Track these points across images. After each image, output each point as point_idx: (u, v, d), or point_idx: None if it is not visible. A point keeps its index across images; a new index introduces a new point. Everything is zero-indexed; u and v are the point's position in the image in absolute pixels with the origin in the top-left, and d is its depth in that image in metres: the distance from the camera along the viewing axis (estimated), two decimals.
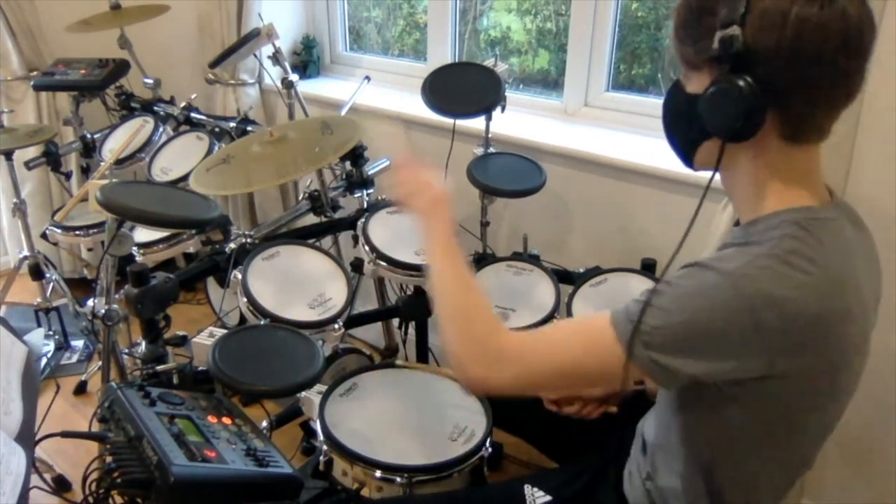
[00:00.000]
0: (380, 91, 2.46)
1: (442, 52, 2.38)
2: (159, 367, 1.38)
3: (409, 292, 1.90)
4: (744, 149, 0.87)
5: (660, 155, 1.74)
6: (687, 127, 0.92)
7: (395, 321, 2.06)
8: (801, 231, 0.84)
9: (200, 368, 1.33)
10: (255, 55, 2.36)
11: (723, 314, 0.80)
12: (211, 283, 2.61)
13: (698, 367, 0.82)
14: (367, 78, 2.37)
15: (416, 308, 1.89)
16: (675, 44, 0.90)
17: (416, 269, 1.62)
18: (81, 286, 2.87)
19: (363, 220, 1.71)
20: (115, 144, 2.28)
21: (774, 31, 0.79)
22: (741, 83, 0.81)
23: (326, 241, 2.05)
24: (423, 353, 2.02)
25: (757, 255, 0.82)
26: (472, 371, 0.95)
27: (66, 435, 1.04)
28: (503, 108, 1.81)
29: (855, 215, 0.96)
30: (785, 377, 0.84)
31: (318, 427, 1.30)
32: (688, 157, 0.96)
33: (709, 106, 0.85)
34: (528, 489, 1.16)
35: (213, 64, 2.17)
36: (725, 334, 0.81)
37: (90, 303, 1.56)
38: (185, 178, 1.94)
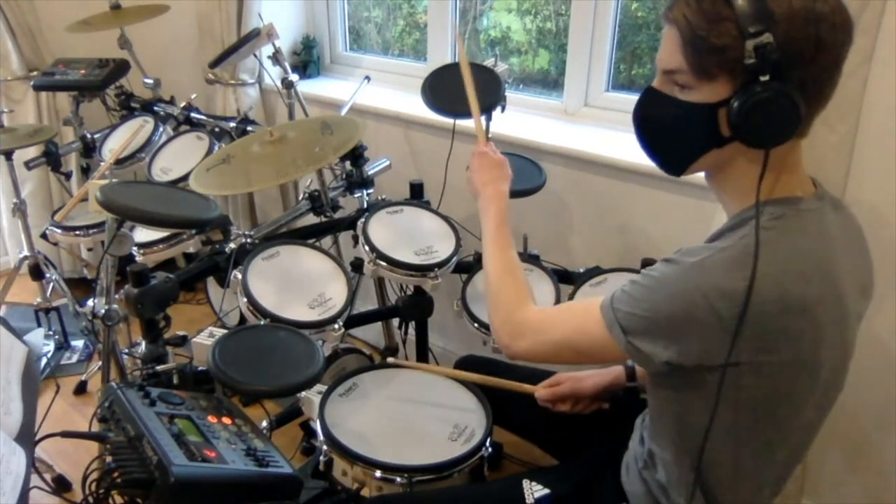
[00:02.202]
0: (380, 91, 2.46)
1: (442, 52, 2.38)
2: (159, 367, 1.38)
3: (409, 292, 1.90)
4: (743, 149, 0.87)
5: None
6: (693, 136, 0.90)
7: (395, 321, 2.06)
8: (773, 221, 0.86)
9: (200, 368, 1.33)
10: (255, 55, 2.36)
11: (681, 303, 0.85)
12: (211, 283, 2.62)
13: (669, 352, 0.87)
14: (367, 78, 2.37)
15: (416, 308, 1.89)
16: (683, 54, 0.86)
17: (416, 269, 1.62)
18: (81, 286, 2.87)
19: (363, 220, 1.71)
20: (115, 144, 2.28)
21: (803, 32, 0.80)
22: (789, 90, 0.80)
23: (326, 241, 2.05)
24: (423, 353, 2.01)
25: (720, 248, 0.86)
26: (500, 337, 1.09)
27: (66, 435, 1.03)
28: (503, 108, 1.81)
29: (840, 205, 0.97)
30: (757, 365, 0.86)
31: (318, 427, 1.30)
32: (684, 166, 0.94)
33: (750, 115, 0.82)
34: (526, 483, 1.17)
35: (213, 64, 2.17)
36: (687, 321, 0.85)
37: (90, 303, 1.56)
38: (185, 178, 1.94)
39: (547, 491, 1.15)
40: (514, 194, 1.85)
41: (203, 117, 2.42)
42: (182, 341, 1.48)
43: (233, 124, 2.34)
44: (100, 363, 1.63)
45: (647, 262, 1.67)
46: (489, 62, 1.84)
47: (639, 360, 0.91)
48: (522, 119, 2.14)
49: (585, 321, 0.96)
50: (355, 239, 1.73)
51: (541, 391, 1.32)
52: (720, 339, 0.84)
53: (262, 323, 1.40)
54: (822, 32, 0.80)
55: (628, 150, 1.85)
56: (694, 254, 0.87)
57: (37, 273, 2.47)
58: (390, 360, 1.46)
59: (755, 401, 0.89)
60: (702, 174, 0.97)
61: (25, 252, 2.46)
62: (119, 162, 2.21)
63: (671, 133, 0.93)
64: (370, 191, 1.96)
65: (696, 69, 0.85)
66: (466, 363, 1.52)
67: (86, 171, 2.55)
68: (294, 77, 2.16)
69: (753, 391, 0.88)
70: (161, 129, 2.33)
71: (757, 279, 0.81)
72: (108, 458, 0.98)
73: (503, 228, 1.22)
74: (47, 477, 1.87)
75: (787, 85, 0.81)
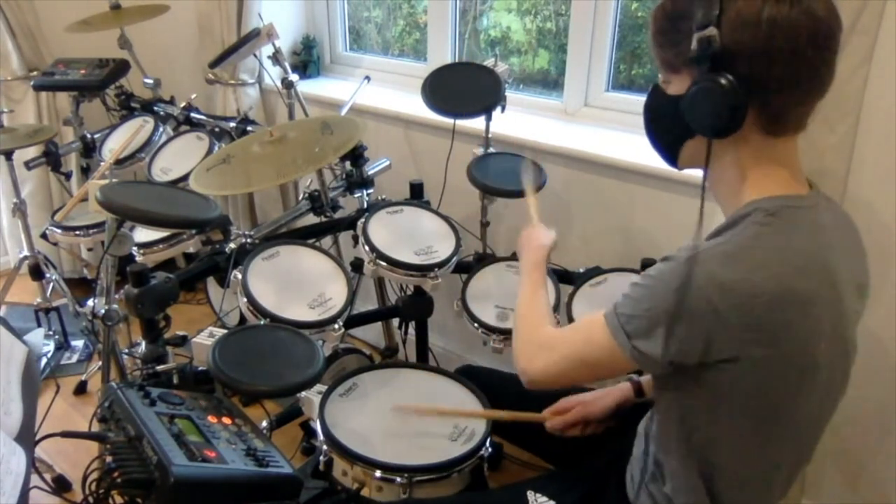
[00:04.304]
0: (380, 91, 2.46)
1: (442, 52, 2.38)
2: (159, 367, 1.38)
3: (409, 292, 1.90)
4: (727, 145, 0.90)
5: None
6: (669, 127, 0.96)
7: (395, 321, 2.06)
8: (768, 218, 0.88)
9: (200, 368, 1.33)
10: (255, 55, 2.36)
11: (678, 297, 0.86)
12: (211, 283, 2.62)
13: (671, 350, 0.88)
14: (367, 78, 2.37)
15: (416, 308, 1.89)
16: (655, 49, 0.95)
17: (415, 269, 1.62)
18: (81, 286, 2.87)
19: (363, 220, 1.71)
20: (115, 144, 2.28)
21: (749, 30, 0.84)
22: (723, 81, 0.85)
23: (326, 241, 2.05)
24: (423, 353, 2.02)
25: (715, 243, 0.88)
26: (520, 363, 1.10)
27: (66, 435, 1.03)
28: (503, 108, 1.81)
29: (835, 205, 0.99)
30: (754, 359, 0.86)
31: (318, 427, 1.31)
32: (672, 157, 1.00)
33: (692, 105, 0.88)
34: (530, 494, 1.16)
35: (213, 64, 2.17)
36: (685, 315, 0.85)
37: (90, 303, 1.56)
38: (185, 178, 1.94)
39: (552, 503, 1.15)
40: (515, 194, 1.87)
41: (203, 117, 2.42)
42: (182, 341, 1.48)
43: (233, 124, 2.34)
44: (100, 363, 1.63)
45: (647, 262, 1.67)
46: (489, 62, 1.85)
47: (643, 363, 0.91)
48: (522, 119, 2.14)
49: (592, 332, 0.97)
50: (355, 239, 1.73)
51: (551, 421, 1.31)
52: (718, 333, 0.85)
53: (262, 323, 1.40)
54: (774, 32, 0.83)
55: (628, 150, 1.85)
56: (689, 249, 0.88)
57: (37, 273, 2.47)
58: (395, 405, 1.39)
59: (755, 397, 0.90)
60: (702, 172, 0.98)
61: (25, 252, 2.46)
62: (119, 162, 2.21)
63: (658, 124, 1.00)
64: (370, 191, 1.96)
65: (663, 63, 0.95)
66: (466, 373, 1.52)
67: (86, 171, 2.55)
68: (294, 77, 2.16)
69: (753, 387, 0.88)
70: (161, 129, 2.33)
71: (754, 273, 0.83)
72: (108, 458, 0.98)
73: (537, 271, 1.28)
74: (47, 477, 1.87)
75: (727, 77, 0.84)
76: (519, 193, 1.76)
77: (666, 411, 1.01)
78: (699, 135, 0.91)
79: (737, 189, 0.92)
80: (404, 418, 1.37)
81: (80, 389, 2.41)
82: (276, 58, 2.10)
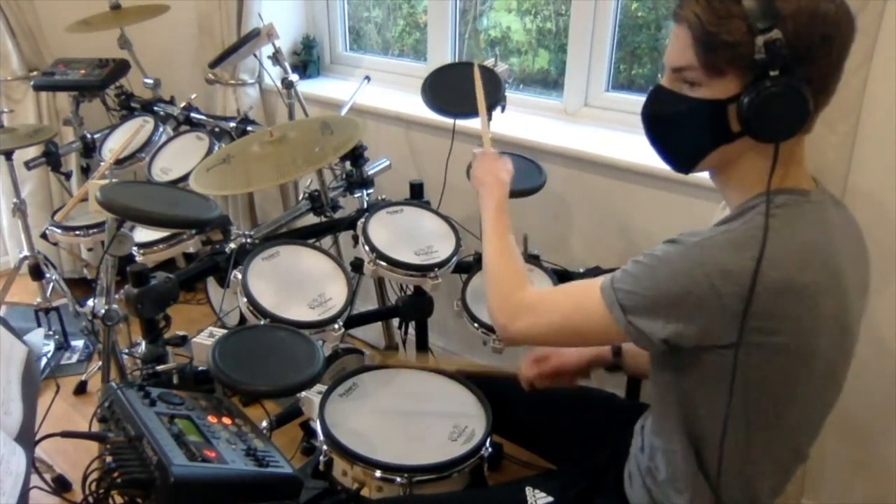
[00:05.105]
0: (380, 91, 2.46)
1: (442, 52, 2.38)
2: (159, 367, 1.38)
3: (409, 292, 1.90)
4: (756, 143, 0.88)
5: None
6: (700, 133, 0.91)
7: (395, 321, 2.06)
8: (775, 209, 0.87)
9: (200, 368, 1.33)
10: (255, 55, 2.36)
11: (683, 281, 0.86)
12: (211, 283, 2.62)
13: (667, 331, 0.88)
14: (367, 78, 2.37)
15: (416, 308, 1.89)
16: (693, 51, 0.87)
17: (416, 269, 1.62)
18: (81, 286, 2.87)
19: (363, 220, 1.71)
20: (115, 144, 2.28)
21: (808, 29, 0.81)
22: (798, 84, 0.82)
23: (326, 241, 2.05)
24: (423, 354, 2.01)
25: (723, 230, 0.88)
26: (498, 319, 1.10)
27: (66, 435, 1.03)
28: (503, 108, 1.81)
29: (840, 203, 0.99)
30: (758, 348, 0.86)
31: (318, 427, 1.31)
32: (694, 163, 0.95)
33: (761, 110, 0.84)
34: (529, 491, 1.17)
35: (213, 64, 2.17)
36: (688, 299, 0.86)
37: (90, 303, 1.56)
38: (185, 178, 1.94)
39: (550, 499, 1.15)
40: (514, 194, 1.85)
41: (203, 117, 2.42)
42: (182, 341, 1.48)
43: (233, 124, 2.34)
44: (100, 363, 1.63)
45: None
46: (489, 62, 1.84)
47: (638, 339, 0.91)
48: (522, 119, 2.13)
49: (585, 302, 0.97)
50: (355, 239, 1.73)
51: (526, 371, 1.32)
52: (719, 318, 0.85)
53: (262, 323, 1.40)
54: (829, 30, 0.82)
55: (628, 150, 1.85)
56: (697, 234, 0.88)
57: (37, 273, 2.47)
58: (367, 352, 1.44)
59: (752, 386, 0.90)
60: (705, 174, 0.98)
61: (25, 252, 2.46)
62: (119, 162, 2.21)
63: (681, 130, 0.94)
64: (370, 191, 1.96)
65: (707, 66, 0.87)
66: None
67: (86, 171, 2.56)
68: (294, 77, 2.16)
69: (750, 374, 0.88)
70: (161, 129, 2.33)
71: (753, 261, 0.83)
72: (108, 458, 0.98)
73: (501, 215, 1.24)
74: (47, 477, 1.87)
75: (795, 80, 0.82)
76: (519, 194, 1.77)
77: (664, 394, 1.02)
78: (752, 138, 0.86)
79: (750, 184, 0.91)
80: (404, 418, 1.37)
81: (80, 389, 2.41)
82: (276, 58, 2.10)
